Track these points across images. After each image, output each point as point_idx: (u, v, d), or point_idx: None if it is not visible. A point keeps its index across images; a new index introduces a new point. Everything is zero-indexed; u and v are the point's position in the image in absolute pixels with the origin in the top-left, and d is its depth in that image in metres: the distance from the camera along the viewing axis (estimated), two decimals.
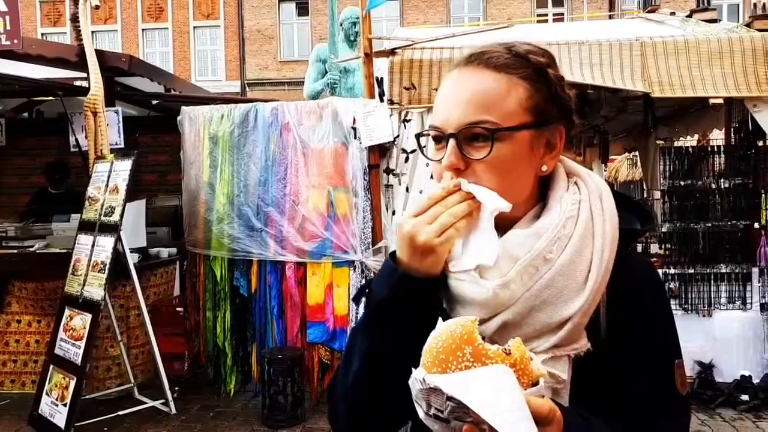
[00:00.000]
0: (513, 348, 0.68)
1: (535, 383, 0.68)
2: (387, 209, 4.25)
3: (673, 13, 5.47)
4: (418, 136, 0.93)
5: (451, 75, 0.89)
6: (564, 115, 0.89)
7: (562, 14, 19.97)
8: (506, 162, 0.84)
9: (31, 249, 4.99)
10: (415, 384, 0.68)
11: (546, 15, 20.04)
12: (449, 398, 0.64)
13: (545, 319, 0.80)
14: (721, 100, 4.77)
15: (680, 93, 4.11)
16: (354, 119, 4.22)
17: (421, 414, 0.68)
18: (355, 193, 4.25)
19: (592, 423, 0.78)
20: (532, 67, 0.86)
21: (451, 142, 0.84)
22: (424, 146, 0.97)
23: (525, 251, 0.81)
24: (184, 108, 4.86)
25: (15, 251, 4.96)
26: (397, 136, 4.17)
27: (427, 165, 4.13)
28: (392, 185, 4.24)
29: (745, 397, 4.30)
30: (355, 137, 4.23)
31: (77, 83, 5.62)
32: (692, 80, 4.09)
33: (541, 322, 0.80)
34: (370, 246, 4.22)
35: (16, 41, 4.51)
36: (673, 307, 4.43)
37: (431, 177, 0.99)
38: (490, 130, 0.83)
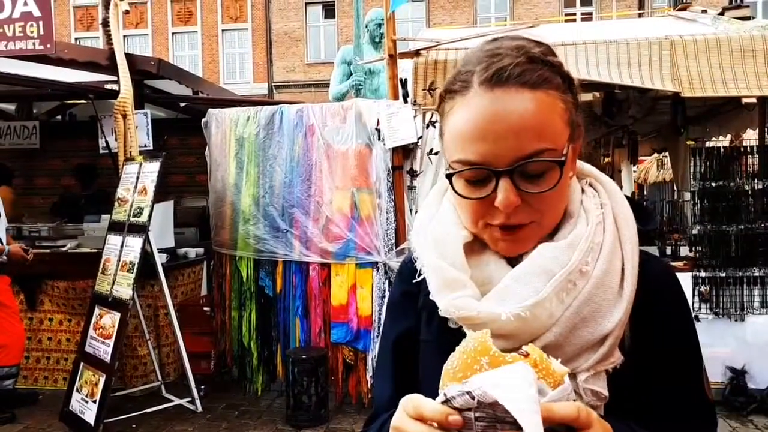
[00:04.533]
0: (530, 350, 0.64)
1: (560, 384, 0.63)
2: (411, 211, 4.25)
3: (704, 11, 5.35)
4: (449, 176, 0.79)
5: (474, 99, 0.76)
6: (578, 106, 0.82)
7: (591, 13, 19.72)
8: (562, 185, 0.78)
9: (63, 249, 5.11)
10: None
11: (574, 14, 19.80)
12: (477, 417, 0.60)
13: (587, 336, 0.76)
14: (754, 99, 4.65)
15: (711, 92, 4.01)
16: (378, 120, 4.22)
17: None
18: (378, 195, 4.25)
19: None
20: (559, 74, 0.79)
21: (506, 180, 0.74)
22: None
23: (561, 266, 0.76)
24: (210, 110, 4.93)
25: (48, 251, 5.09)
26: (421, 137, 4.16)
27: None
28: (415, 186, 4.23)
29: None
30: (379, 138, 4.23)
31: (108, 86, 5.74)
32: (724, 79, 3.99)
33: (583, 340, 0.76)
34: (394, 247, 4.22)
35: (49, 46, 4.62)
36: (704, 311, 4.41)
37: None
38: (559, 162, 0.75)
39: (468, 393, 0.59)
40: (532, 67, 0.76)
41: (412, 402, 0.66)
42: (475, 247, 0.84)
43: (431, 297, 0.82)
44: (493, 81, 0.75)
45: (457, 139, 0.78)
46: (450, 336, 0.77)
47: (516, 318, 0.74)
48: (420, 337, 0.91)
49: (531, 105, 0.74)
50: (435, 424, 0.63)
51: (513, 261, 0.81)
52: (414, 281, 0.89)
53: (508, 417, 0.58)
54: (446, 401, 0.61)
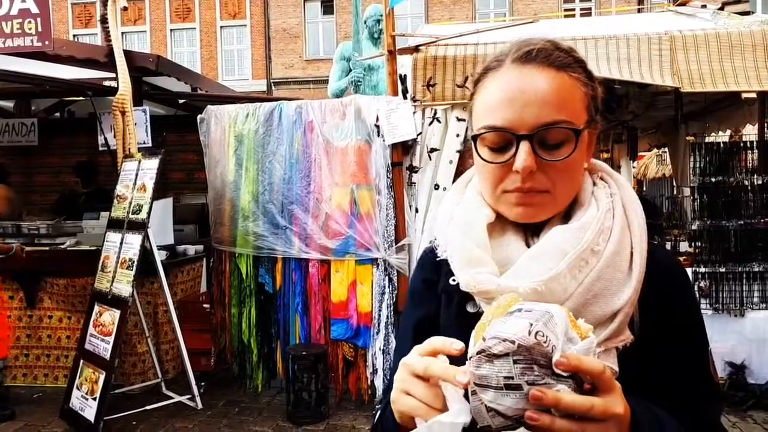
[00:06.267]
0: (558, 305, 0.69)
1: (587, 338, 0.67)
2: (410, 207, 4.24)
3: (704, 6, 5.34)
4: (474, 137, 0.88)
5: (506, 73, 0.86)
6: (598, 111, 0.91)
7: (590, 9, 19.69)
8: (578, 162, 0.86)
9: (62, 246, 5.11)
10: (471, 365, 0.64)
11: (573, 10, 19.77)
12: (516, 360, 0.62)
13: (599, 312, 0.81)
14: (753, 95, 4.64)
15: (711, 87, 4.01)
16: (377, 117, 4.21)
17: (488, 398, 0.63)
18: (378, 191, 4.25)
19: (659, 414, 0.76)
20: (582, 66, 0.88)
21: (526, 144, 0.82)
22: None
23: (574, 245, 0.82)
24: (209, 107, 4.91)
25: (47, 248, 5.09)
26: (420, 133, 4.15)
27: (451, 162, 4.11)
28: (415, 183, 4.23)
29: None
30: (378, 135, 4.22)
31: (106, 83, 5.72)
32: (724, 74, 3.98)
33: (595, 315, 0.80)
34: (393, 244, 4.21)
35: (47, 43, 4.60)
36: (703, 306, 4.41)
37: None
38: (575, 130, 0.83)
39: (507, 340, 0.62)
40: (559, 53, 0.86)
41: (428, 341, 0.72)
42: (496, 229, 0.91)
43: (452, 280, 0.89)
44: (523, 59, 0.85)
45: (487, 106, 0.87)
46: (468, 319, 0.81)
47: (533, 292, 0.79)
48: (439, 321, 0.95)
49: (555, 81, 0.84)
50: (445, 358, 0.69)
51: (530, 243, 0.88)
52: (435, 268, 0.97)
53: (542, 360, 0.62)
54: (481, 351, 0.64)
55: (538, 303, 0.67)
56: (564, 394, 0.61)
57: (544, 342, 0.61)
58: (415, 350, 0.73)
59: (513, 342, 0.62)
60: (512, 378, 0.62)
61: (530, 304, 0.66)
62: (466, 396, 0.66)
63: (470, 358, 0.65)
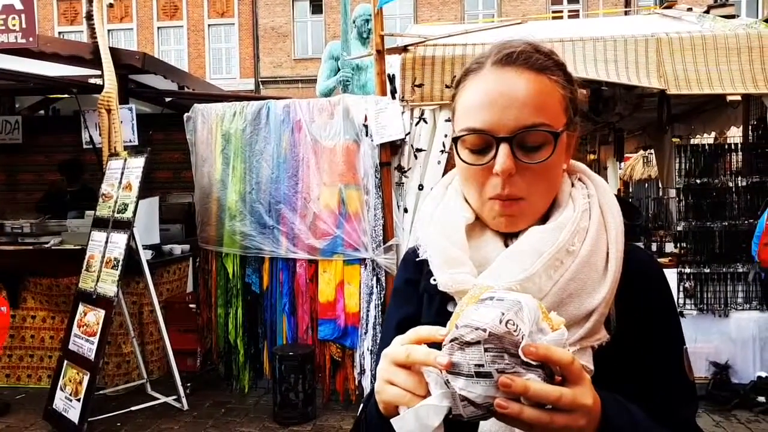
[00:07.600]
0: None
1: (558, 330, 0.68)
2: (398, 207, 4.24)
3: (690, 9, 5.39)
4: (455, 140, 0.88)
5: (486, 75, 0.86)
6: (577, 113, 0.91)
7: (578, 11, 19.79)
8: (556, 164, 0.87)
9: (46, 245, 5.04)
10: (444, 353, 0.65)
11: (561, 11, 19.87)
12: (486, 348, 0.62)
13: (573, 311, 0.81)
14: (738, 97, 4.69)
15: (697, 90, 4.05)
16: (365, 117, 4.21)
17: (460, 385, 0.64)
18: (366, 191, 4.24)
19: (629, 406, 0.76)
20: (561, 69, 0.88)
21: (505, 146, 0.82)
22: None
23: (549, 245, 0.82)
24: (196, 105, 4.88)
25: (30, 247, 5.02)
26: (408, 133, 4.15)
27: (439, 163, 4.11)
28: (403, 183, 4.23)
29: (761, 399, 4.24)
30: (367, 135, 4.21)
31: (92, 81, 5.67)
32: (709, 77, 4.02)
33: (570, 315, 0.81)
34: (381, 244, 4.21)
35: (31, 39, 4.55)
36: (688, 306, 4.45)
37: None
38: (553, 133, 0.83)
39: (479, 328, 0.62)
40: (539, 56, 0.87)
41: (413, 330, 0.73)
42: (475, 230, 0.91)
43: (432, 280, 0.89)
44: (504, 61, 0.86)
45: (467, 108, 0.87)
46: (448, 319, 0.80)
47: None
48: (421, 320, 0.95)
49: (534, 84, 0.84)
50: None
51: (508, 244, 0.89)
52: (417, 268, 0.97)
53: (512, 349, 0.62)
54: (454, 339, 0.64)
55: (511, 292, 0.68)
56: (533, 382, 0.62)
57: (515, 331, 0.62)
58: (397, 340, 0.73)
59: (484, 330, 0.62)
60: (483, 366, 0.63)
61: (502, 293, 0.67)
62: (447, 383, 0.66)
63: (444, 345, 0.66)
